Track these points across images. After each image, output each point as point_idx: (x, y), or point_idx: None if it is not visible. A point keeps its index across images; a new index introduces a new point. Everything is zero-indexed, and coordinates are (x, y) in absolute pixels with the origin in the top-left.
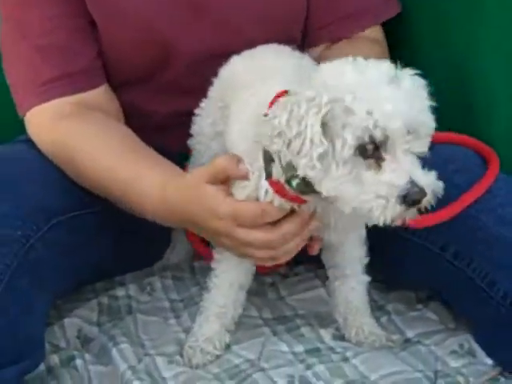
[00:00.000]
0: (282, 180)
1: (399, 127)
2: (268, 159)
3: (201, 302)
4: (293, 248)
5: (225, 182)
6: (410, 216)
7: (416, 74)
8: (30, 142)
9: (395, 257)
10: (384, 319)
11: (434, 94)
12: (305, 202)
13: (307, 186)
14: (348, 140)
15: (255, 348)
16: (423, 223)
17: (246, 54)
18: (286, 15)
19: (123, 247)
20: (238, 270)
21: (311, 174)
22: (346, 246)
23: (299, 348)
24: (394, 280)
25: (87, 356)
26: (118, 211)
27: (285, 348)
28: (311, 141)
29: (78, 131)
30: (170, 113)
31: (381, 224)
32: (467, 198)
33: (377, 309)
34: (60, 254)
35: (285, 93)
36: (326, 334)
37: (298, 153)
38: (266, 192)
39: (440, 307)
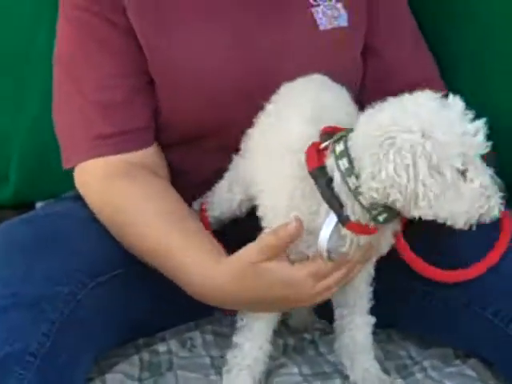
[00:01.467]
0: (363, 220)
1: (482, 141)
2: (338, 203)
3: (228, 358)
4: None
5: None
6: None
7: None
8: (78, 200)
9: (435, 317)
10: (420, 375)
11: None
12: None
13: (392, 216)
14: (457, 167)
15: None
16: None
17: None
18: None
19: (165, 304)
20: (266, 319)
21: (430, 213)
22: (356, 283)
23: None
24: (431, 336)
25: None
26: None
27: None
28: (424, 184)
29: (128, 193)
30: (215, 170)
31: (494, 215)
32: (493, 255)
33: (413, 364)
34: (104, 311)
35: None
36: None
37: (411, 197)
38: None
39: (479, 364)
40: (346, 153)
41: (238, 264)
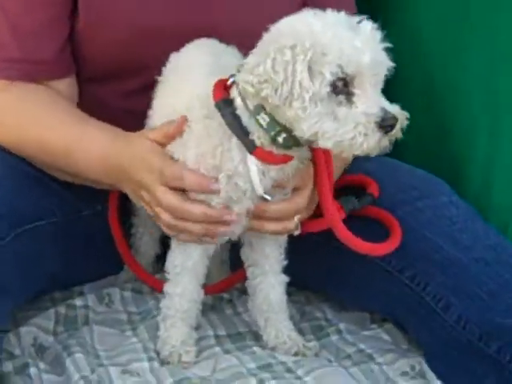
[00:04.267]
0: (266, 143)
1: (369, 62)
2: (243, 132)
3: (163, 309)
4: (195, 231)
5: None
6: (385, 144)
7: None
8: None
9: (352, 276)
10: (335, 337)
11: (412, 125)
12: (292, 158)
13: (291, 139)
14: (326, 77)
15: (208, 366)
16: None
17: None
18: None
19: (82, 257)
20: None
21: (303, 116)
22: (261, 244)
23: (251, 364)
24: (349, 301)
25: (41, 365)
26: (78, 220)
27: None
28: (300, 84)
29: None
30: (129, 109)
31: (366, 152)
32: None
33: (329, 326)
34: (22, 263)
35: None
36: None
37: (287, 97)
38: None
39: (394, 329)
40: None
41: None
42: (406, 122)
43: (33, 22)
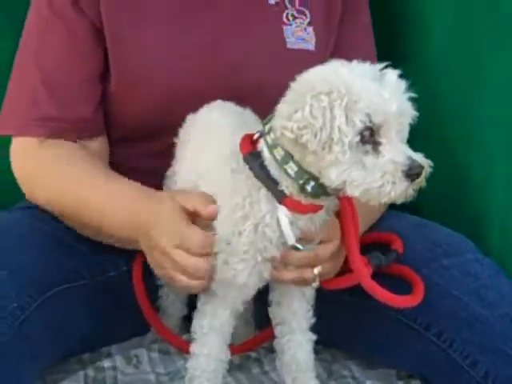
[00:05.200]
0: (295, 192)
1: (395, 111)
2: (272, 182)
3: (189, 369)
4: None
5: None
6: (411, 193)
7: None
8: (27, 210)
9: (379, 334)
10: None
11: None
12: (321, 207)
13: (320, 188)
14: (357, 125)
15: None
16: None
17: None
18: None
19: (110, 318)
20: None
21: (342, 160)
22: (289, 301)
23: None
24: (376, 359)
25: None
26: (104, 282)
27: None
28: (339, 129)
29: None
30: (157, 169)
31: (393, 200)
32: None
33: None
34: (52, 327)
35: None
36: None
37: (326, 142)
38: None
39: None
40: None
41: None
42: (429, 170)
43: (69, 80)
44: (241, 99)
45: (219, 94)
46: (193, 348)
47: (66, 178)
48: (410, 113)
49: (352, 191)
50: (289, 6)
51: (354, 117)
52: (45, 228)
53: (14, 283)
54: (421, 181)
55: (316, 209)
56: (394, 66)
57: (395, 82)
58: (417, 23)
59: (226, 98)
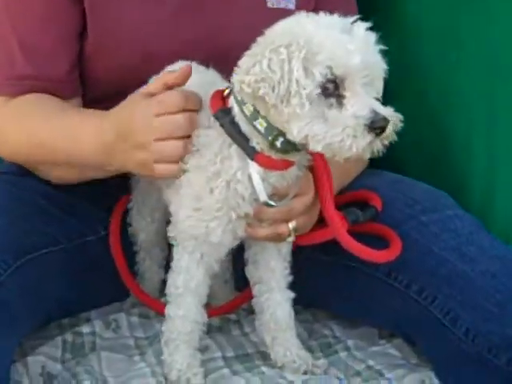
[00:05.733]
0: (266, 148)
1: (358, 63)
2: (243, 139)
3: (165, 332)
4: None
5: None
6: (378, 147)
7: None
8: (3, 176)
9: (359, 293)
10: (344, 354)
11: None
12: (293, 163)
13: (289, 143)
14: (316, 77)
15: None
16: (311, 239)
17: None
18: None
19: (88, 283)
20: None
21: (301, 113)
22: (266, 259)
23: None
24: (356, 317)
25: None
26: (82, 246)
27: None
28: (297, 82)
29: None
30: None
31: (357, 153)
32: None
33: (337, 343)
34: (29, 292)
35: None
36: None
37: (284, 95)
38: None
39: (403, 344)
40: None
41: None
42: (399, 124)
43: (44, 40)
44: (221, 61)
45: (197, 56)
46: (168, 310)
47: (24, 125)
48: (379, 65)
49: (314, 146)
50: None
51: (313, 69)
52: (21, 194)
53: None
54: (388, 135)
55: (287, 165)
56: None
57: (363, 34)
58: None
59: (205, 59)
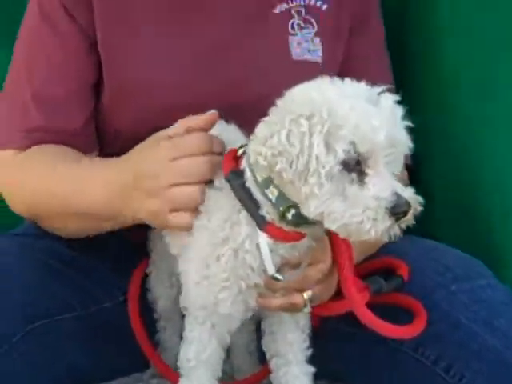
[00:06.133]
0: (276, 219)
1: (383, 140)
2: (253, 206)
3: None
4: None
5: None
6: (395, 232)
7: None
8: (16, 237)
9: (385, 368)
10: None
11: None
12: (304, 236)
13: (301, 217)
14: (338, 154)
15: None
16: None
17: None
18: None
19: (104, 352)
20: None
21: (318, 193)
22: (282, 331)
23: None
24: None
25: None
26: (99, 313)
27: None
28: (317, 159)
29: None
30: None
31: (373, 237)
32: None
33: None
34: (36, 363)
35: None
36: None
37: (302, 172)
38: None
39: None
40: None
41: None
42: (419, 208)
43: (58, 92)
44: (242, 113)
45: (218, 108)
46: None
47: (34, 176)
48: (403, 142)
49: (329, 224)
50: (295, 15)
51: (335, 145)
52: (36, 256)
53: None
54: (408, 219)
55: (299, 237)
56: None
57: (390, 108)
58: (430, 41)
59: (226, 112)
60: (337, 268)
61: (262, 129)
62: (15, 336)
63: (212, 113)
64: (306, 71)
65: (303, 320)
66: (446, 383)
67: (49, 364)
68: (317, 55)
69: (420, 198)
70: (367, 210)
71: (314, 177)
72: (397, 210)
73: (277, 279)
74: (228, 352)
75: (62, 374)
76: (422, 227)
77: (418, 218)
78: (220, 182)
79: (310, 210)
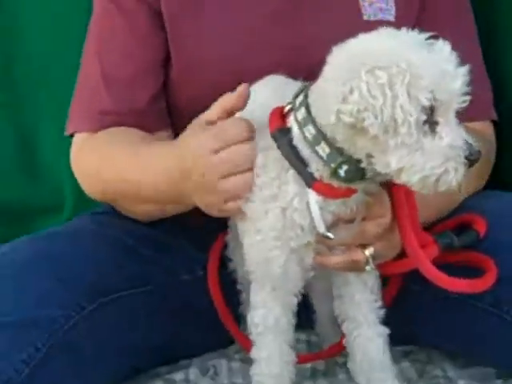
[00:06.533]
0: (326, 176)
1: (459, 88)
2: (301, 164)
3: (253, 376)
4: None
5: None
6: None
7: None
8: (92, 216)
9: (464, 329)
10: None
11: None
12: (355, 191)
13: (355, 172)
14: (422, 103)
15: None
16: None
17: None
18: None
19: (182, 328)
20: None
21: (409, 142)
22: (350, 292)
23: None
24: (468, 355)
25: None
26: (176, 287)
27: None
28: (402, 108)
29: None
30: None
31: (453, 186)
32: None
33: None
34: (107, 337)
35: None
36: None
37: (388, 125)
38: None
39: None
40: (304, 102)
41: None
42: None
43: (126, 73)
44: (310, 76)
45: (292, 70)
46: (252, 353)
47: (104, 159)
48: (467, 88)
49: (408, 178)
50: None
51: (418, 94)
52: (109, 233)
53: (63, 292)
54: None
55: (350, 192)
56: None
57: (451, 55)
58: None
59: (299, 74)
60: (397, 224)
61: (329, 86)
62: (79, 313)
63: (242, 87)
64: None
65: (371, 280)
66: None
67: (118, 338)
68: (390, 14)
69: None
70: (449, 159)
71: (405, 126)
72: (472, 158)
73: (328, 237)
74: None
75: (135, 353)
76: None
77: None
78: (265, 142)
79: (392, 165)
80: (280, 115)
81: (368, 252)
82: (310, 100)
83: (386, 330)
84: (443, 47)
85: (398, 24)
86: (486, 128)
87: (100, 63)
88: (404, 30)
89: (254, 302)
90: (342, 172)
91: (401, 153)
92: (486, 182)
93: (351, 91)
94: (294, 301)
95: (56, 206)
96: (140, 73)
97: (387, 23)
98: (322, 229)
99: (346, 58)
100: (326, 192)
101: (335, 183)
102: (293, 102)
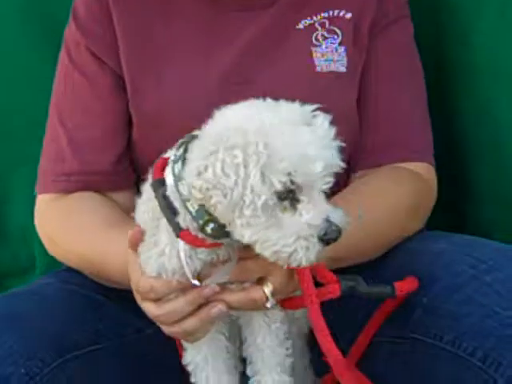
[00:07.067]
0: (194, 228)
1: (321, 171)
2: (171, 213)
3: None
4: (191, 328)
5: None
6: (321, 255)
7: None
8: (59, 273)
9: (423, 368)
10: None
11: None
12: (221, 245)
13: (221, 231)
14: (275, 186)
15: None
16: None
17: None
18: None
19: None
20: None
21: (254, 224)
22: (253, 334)
23: None
24: None
25: None
26: (133, 344)
27: None
28: (252, 190)
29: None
30: None
31: (304, 265)
32: None
33: None
34: None
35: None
36: None
37: (237, 204)
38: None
39: None
40: (182, 156)
41: None
42: (348, 227)
43: (90, 134)
44: None
45: None
46: None
47: (72, 232)
48: (336, 165)
49: (261, 250)
50: (319, 27)
51: (272, 176)
52: (73, 289)
53: (27, 347)
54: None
55: (216, 245)
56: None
57: (324, 129)
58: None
59: None
60: None
61: (195, 156)
62: (42, 371)
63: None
64: (331, 82)
65: (275, 323)
66: (485, 373)
67: None
68: (342, 65)
69: (349, 218)
70: (300, 238)
71: (250, 209)
72: (327, 237)
73: (195, 285)
74: None
75: None
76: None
77: None
78: (151, 192)
79: (245, 238)
80: (163, 166)
81: (267, 289)
82: (188, 155)
83: (287, 380)
84: (323, 123)
85: (348, 75)
86: (422, 169)
87: (64, 124)
88: (286, 102)
89: (185, 344)
90: (208, 229)
91: (252, 229)
92: (424, 223)
93: (206, 168)
94: (221, 338)
95: (27, 267)
96: (103, 135)
97: (339, 74)
98: (189, 275)
99: (216, 130)
100: (193, 242)
101: (202, 236)
102: (174, 154)
